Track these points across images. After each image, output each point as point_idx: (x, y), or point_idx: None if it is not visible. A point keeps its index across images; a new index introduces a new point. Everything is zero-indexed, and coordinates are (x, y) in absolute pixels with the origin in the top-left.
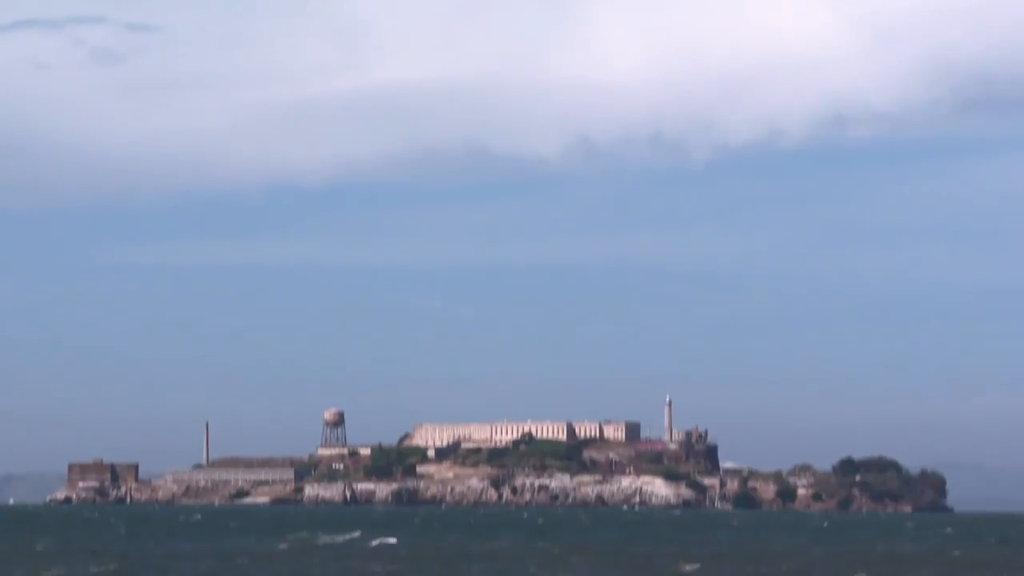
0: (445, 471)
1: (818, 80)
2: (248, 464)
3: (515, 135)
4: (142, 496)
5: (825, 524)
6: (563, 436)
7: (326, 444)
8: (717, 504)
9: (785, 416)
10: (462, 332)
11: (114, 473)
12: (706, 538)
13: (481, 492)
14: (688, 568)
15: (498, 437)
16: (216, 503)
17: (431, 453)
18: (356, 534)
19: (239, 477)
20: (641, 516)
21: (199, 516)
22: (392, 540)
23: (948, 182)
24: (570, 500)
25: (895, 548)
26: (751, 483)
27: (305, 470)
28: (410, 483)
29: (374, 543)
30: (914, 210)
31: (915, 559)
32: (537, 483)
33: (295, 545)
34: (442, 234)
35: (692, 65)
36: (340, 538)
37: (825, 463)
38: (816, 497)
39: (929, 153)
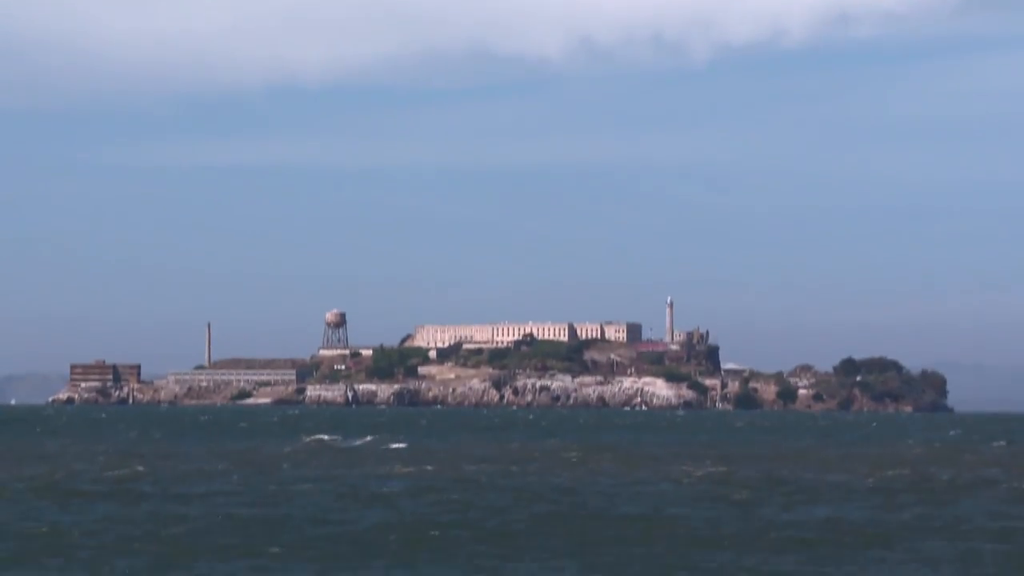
0: (446, 372)
1: None
2: (250, 365)
3: (517, 35)
4: (144, 397)
5: (874, 425)
6: (564, 337)
7: (328, 345)
8: (718, 405)
9: (786, 317)
10: (464, 233)
11: (116, 374)
12: (714, 440)
13: (482, 393)
14: (700, 472)
15: (499, 338)
16: (218, 404)
17: (432, 354)
18: (369, 438)
19: (241, 378)
20: (646, 417)
21: (207, 417)
22: (402, 444)
23: (953, 80)
24: (571, 401)
25: (906, 449)
26: (752, 384)
27: (307, 371)
28: (411, 384)
29: (389, 447)
30: (917, 109)
31: (925, 460)
32: (539, 384)
33: (311, 447)
34: (444, 135)
35: None
36: (356, 441)
37: (826, 364)
38: (817, 397)
39: (934, 51)
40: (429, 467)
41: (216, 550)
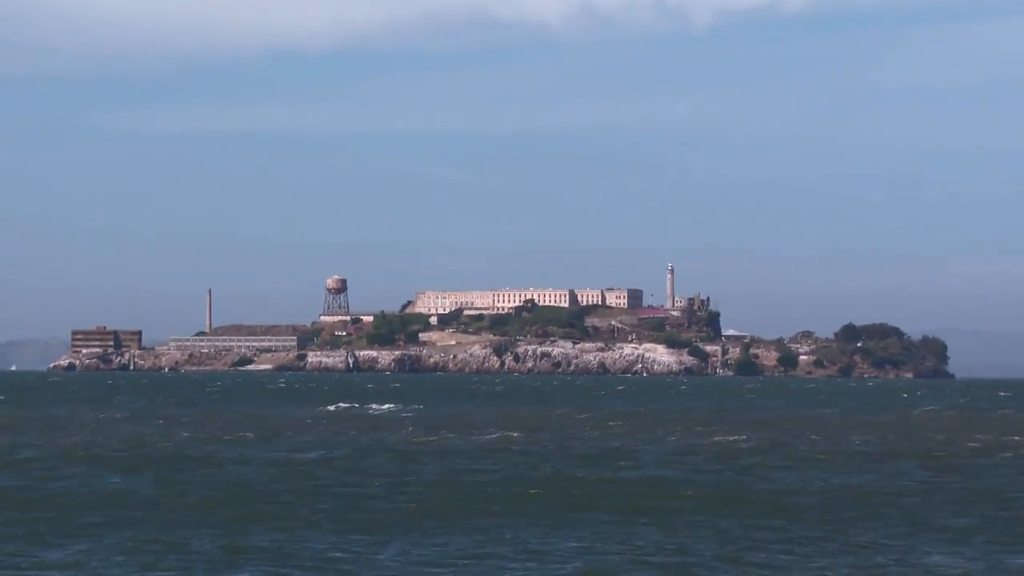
0: (447, 338)
1: None
2: (251, 331)
3: (517, 0)
4: (145, 363)
5: (926, 390)
6: (565, 303)
7: (328, 311)
8: (719, 371)
9: (787, 283)
10: (464, 199)
11: (117, 340)
12: (722, 407)
13: (483, 359)
14: (708, 440)
15: (500, 304)
16: (219, 370)
17: (433, 320)
18: (383, 407)
19: (242, 344)
20: (649, 384)
21: (219, 384)
22: (413, 412)
23: (953, 45)
24: (572, 367)
25: (915, 417)
26: (753, 350)
27: (308, 337)
28: (412, 350)
29: (401, 414)
30: (918, 73)
31: (934, 428)
32: (539, 350)
33: (324, 415)
34: (444, 100)
35: None
36: (369, 409)
37: (827, 330)
38: (818, 364)
39: (934, 16)
40: (441, 435)
41: (230, 519)
